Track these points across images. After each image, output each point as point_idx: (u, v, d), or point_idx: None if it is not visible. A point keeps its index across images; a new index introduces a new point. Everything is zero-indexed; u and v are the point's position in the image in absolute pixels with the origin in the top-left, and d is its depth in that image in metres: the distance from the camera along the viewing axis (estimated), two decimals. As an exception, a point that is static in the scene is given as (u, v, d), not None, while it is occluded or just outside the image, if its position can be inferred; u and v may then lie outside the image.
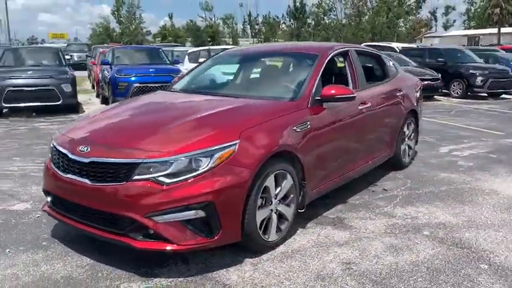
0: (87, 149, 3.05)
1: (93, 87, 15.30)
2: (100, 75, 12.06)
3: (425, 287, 2.85)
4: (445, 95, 14.04)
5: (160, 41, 63.77)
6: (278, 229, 3.40)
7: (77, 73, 11.55)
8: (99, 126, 3.48)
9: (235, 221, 2.99)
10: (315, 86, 3.86)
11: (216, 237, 2.93)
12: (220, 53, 5.15)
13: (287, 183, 3.40)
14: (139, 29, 61.82)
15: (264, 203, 3.23)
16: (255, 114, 3.43)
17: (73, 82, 10.03)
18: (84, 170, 3.00)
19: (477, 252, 3.35)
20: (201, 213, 2.85)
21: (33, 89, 9.48)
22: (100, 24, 60.31)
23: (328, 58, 4.25)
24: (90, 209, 3.01)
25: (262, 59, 4.88)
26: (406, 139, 5.58)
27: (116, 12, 59.35)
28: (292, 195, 3.49)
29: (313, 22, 63.79)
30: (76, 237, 3.49)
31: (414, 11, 55.22)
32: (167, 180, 2.81)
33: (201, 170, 2.85)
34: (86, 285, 2.84)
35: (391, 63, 5.52)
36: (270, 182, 3.22)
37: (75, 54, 28.12)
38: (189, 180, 2.83)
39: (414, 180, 5.15)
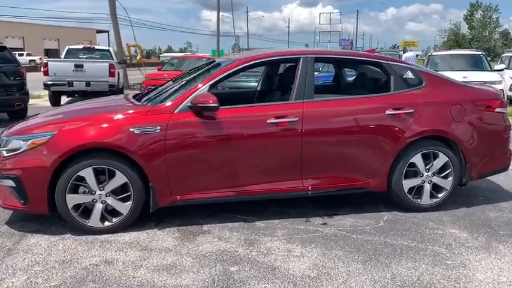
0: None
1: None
2: None
3: None
4: None
5: (506, 45, 56.48)
6: (106, 219, 3.77)
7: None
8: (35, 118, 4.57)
9: (40, 197, 3.65)
10: (196, 93, 3.84)
11: (26, 206, 3.71)
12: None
13: (117, 179, 3.71)
14: (494, 33, 56.70)
15: (86, 191, 3.72)
16: (96, 114, 3.96)
17: None
18: None
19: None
20: (13, 184, 3.69)
21: None
22: (449, 30, 58.73)
23: (238, 68, 4.06)
24: None
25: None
26: (425, 174, 4.21)
27: (468, 17, 56.46)
28: (129, 193, 3.75)
29: None
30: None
31: None
32: (5, 154, 3.78)
33: (20, 151, 3.69)
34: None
35: (408, 73, 4.24)
36: (86, 173, 3.65)
37: None
38: (12, 157, 3.72)
39: (392, 225, 3.97)
